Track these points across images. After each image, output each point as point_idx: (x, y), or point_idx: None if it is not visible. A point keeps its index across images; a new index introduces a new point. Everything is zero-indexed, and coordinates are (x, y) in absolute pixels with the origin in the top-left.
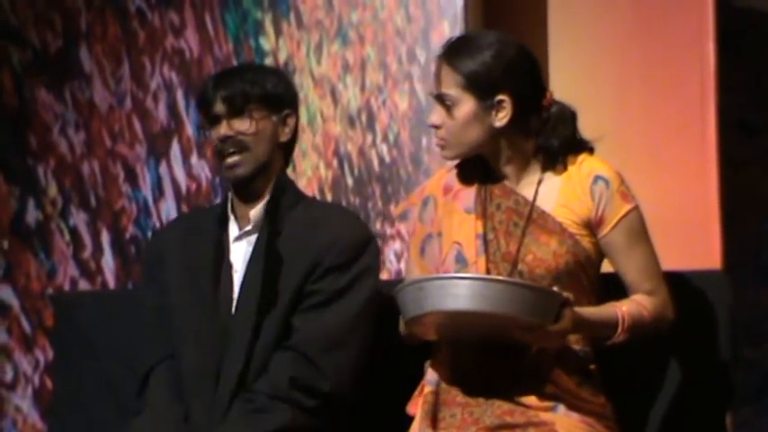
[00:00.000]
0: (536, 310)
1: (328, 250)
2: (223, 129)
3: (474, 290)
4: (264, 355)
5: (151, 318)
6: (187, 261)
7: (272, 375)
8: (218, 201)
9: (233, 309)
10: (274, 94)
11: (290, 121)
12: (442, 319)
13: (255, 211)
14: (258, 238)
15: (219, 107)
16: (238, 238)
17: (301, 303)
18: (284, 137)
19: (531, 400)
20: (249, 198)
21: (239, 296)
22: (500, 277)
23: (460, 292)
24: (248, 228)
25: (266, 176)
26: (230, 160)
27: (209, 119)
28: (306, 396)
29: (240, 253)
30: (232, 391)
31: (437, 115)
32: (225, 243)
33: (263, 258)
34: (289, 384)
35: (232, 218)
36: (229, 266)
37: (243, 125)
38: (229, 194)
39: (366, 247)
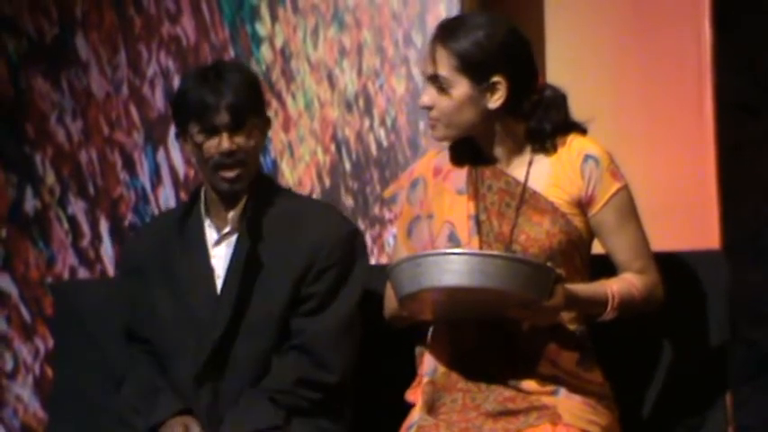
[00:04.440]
0: (532, 286)
1: (318, 252)
2: (226, 143)
3: (471, 265)
4: (261, 358)
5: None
6: (168, 273)
7: (277, 375)
8: None
9: (225, 315)
10: (262, 102)
11: (269, 127)
12: (439, 296)
13: (234, 213)
14: (238, 243)
15: (224, 118)
16: (218, 242)
17: (299, 306)
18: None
19: (532, 384)
20: (230, 201)
21: (219, 306)
22: (497, 252)
23: (457, 268)
24: (227, 230)
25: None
26: (230, 175)
27: (206, 129)
28: (312, 391)
29: (221, 257)
30: (232, 396)
31: (428, 96)
32: (204, 249)
33: (243, 267)
34: (294, 383)
35: (208, 221)
36: (211, 271)
37: (243, 139)
38: (202, 196)
39: (353, 242)
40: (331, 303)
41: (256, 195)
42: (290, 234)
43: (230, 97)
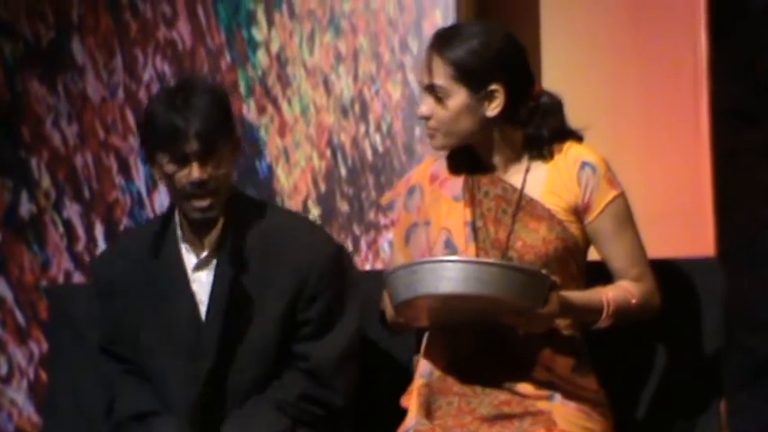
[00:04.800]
0: (527, 293)
1: (307, 276)
2: (196, 172)
3: (467, 273)
4: (262, 383)
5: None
6: (147, 297)
7: (284, 387)
8: None
9: (212, 345)
10: (232, 124)
11: (239, 149)
12: (434, 303)
13: (211, 237)
14: (219, 270)
15: (193, 146)
16: (198, 267)
17: (297, 331)
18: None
19: (528, 389)
20: (204, 226)
21: (205, 335)
22: (492, 260)
23: (453, 275)
24: (205, 254)
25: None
26: (202, 204)
27: (176, 158)
28: (317, 407)
29: (202, 282)
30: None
31: (426, 106)
32: (184, 274)
33: (227, 297)
34: (299, 397)
35: (185, 245)
36: (193, 297)
37: (213, 167)
38: (176, 219)
39: (341, 260)
40: (331, 326)
41: (233, 217)
42: (275, 256)
43: (199, 124)
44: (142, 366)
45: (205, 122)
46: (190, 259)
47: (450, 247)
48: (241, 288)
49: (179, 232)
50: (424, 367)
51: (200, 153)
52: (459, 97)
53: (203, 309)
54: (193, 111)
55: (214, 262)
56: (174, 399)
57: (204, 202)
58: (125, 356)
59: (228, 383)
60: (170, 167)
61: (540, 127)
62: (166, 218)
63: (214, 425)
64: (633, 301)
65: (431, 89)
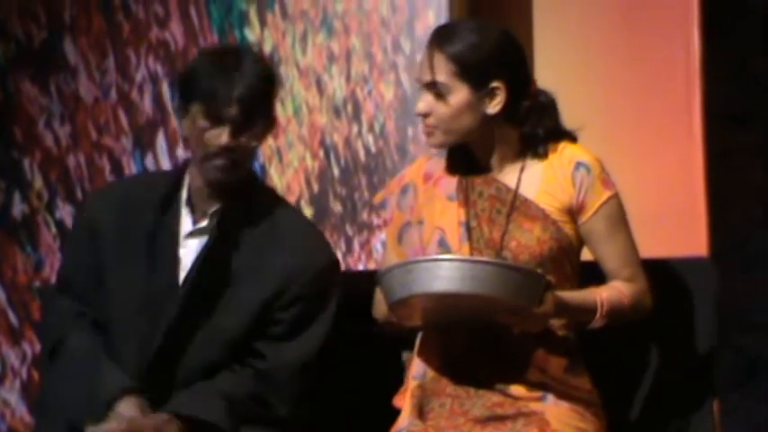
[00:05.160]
0: (522, 293)
1: (295, 278)
2: (227, 138)
3: (462, 272)
4: (209, 369)
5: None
6: (127, 247)
7: (233, 383)
8: None
9: (173, 312)
10: (273, 100)
11: (273, 128)
12: (429, 302)
13: (214, 210)
14: (210, 240)
15: (232, 111)
16: (191, 234)
17: (265, 328)
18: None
19: (521, 390)
20: (214, 194)
21: (183, 305)
22: (487, 259)
23: (448, 274)
24: (203, 224)
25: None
26: (221, 163)
27: (211, 116)
28: (263, 409)
29: (192, 250)
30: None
31: (425, 103)
32: (176, 236)
33: (207, 265)
34: (246, 396)
35: (187, 210)
36: (177, 261)
37: (246, 138)
38: (186, 182)
39: (331, 277)
40: (298, 334)
41: (241, 195)
42: (269, 248)
43: (243, 90)
44: (98, 313)
45: (249, 90)
46: (186, 223)
47: (443, 246)
48: (226, 267)
49: (184, 194)
50: (417, 368)
51: (236, 119)
52: (460, 94)
53: (182, 275)
54: (241, 76)
55: (204, 229)
56: (123, 354)
57: (225, 165)
58: (83, 298)
59: (182, 359)
60: (202, 123)
61: (536, 126)
62: (176, 177)
63: (156, 395)
64: (626, 301)
65: (431, 86)
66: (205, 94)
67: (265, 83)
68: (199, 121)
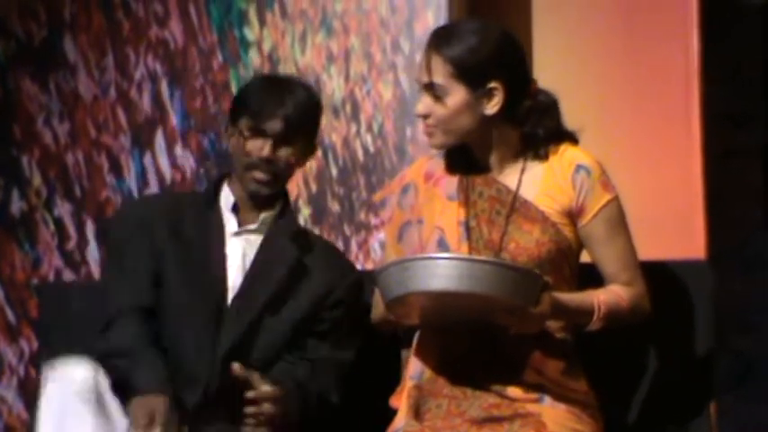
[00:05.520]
0: (519, 292)
1: (340, 281)
2: (268, 150)
3: (460, 270)
4: (268, 349)
5: (134, 265)
6: (182, 243)
7: (293, 372)
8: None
9: (228, 300)
10: (317, 127)
11: (313, 154)
12: (426, 300)
13: (268, 214)
14: (272, 239)
15: (276, 126)
16: (237, 234)
17: (313, 325)
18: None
19: (517, 391)
20: (258, 203)
21: (245, 288)
22: (485, 257)
23: (445, 272)
24: (252, 226)
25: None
26: (260, 176)
27: (257, 129)
28: (317, 395)
29: (237, 248)
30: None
31: (424, 105)
32: (222, 235)
33: (290, 262)
34: (306, 381)
35: (232, 214)
36: (224, 258)
37: (287, 153)
38: (226, 190)
39: (362, 287)
40: (340, 335)
41: (288, 206)
42: (312, 255)
43: (290, 109)
44: (158, 306)
45: (294, 110)
46: (232, 225)
47: (442, 246)
48: (282, 263)
49: (231, 199)
50: (414, 368)
51: (279, 134)
52: (458, 95)
53: (232, 271)
54: (289, 97)
55: (255, 236)
56: (189, 344)
57: (264, 177)
58: (143, 290)
59: (252, 350)
60: (248, 133)
61: (537, 126)
62: (212, 189)
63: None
64: (624, 305)
65: (429, 87)
66: (254, 108)
67: (312, 107)
68: (245, 131)
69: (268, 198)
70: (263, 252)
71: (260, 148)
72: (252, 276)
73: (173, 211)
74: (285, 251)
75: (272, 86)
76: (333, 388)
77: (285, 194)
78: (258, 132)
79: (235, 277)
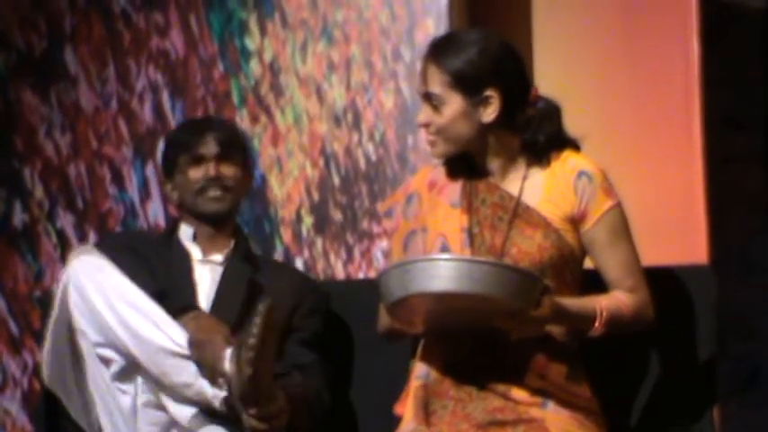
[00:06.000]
0: (519, 293)
1: (308, 292)
2: (212, 169)
3: (460, 271)
4: None
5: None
6: (152, 273)
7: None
8: None
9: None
10: (248, 153)
11: (250, 182)
12: (427, 302)
13: (229, 250)
14: (230, 265)
15: (211, 148)
16: (203, 262)
17: (293, 333)
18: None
19: (522, 395)
20: (217, 231)
21: (214, 313)
22: (485, 258)
23: (446, 273)
24: (218, 258)
25: (233, 219)
26: (214, 193)
27: (194, 158)
28: (312, 399)
29: (206, 275)
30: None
31: (424, 114)
32: (189, 263)
33: (246, 284)
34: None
35: (194, 244)
36: (194, 284)
37: (230, 170)
38: (183, 226)
39: (329, 302)
40: (319, 343)
41: (243, 236)
42: (279, 272)
43: (218, 131)
44: None
45: (223, 131)
46: (196, 254)
47: (445, 251)
48: (255, 286)
49: (189, 231)
50: (420, 369)
51: (218, 154)
52: (454, 104)
53: (203, 297)
54: (214, 122)
55: (219, 267)
56: None
57: (217, 192)
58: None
59: None
60: (188, 166)
61: (537, 133)
62: (171, 225)
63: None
64: (626, 311)
65: (428, 97)
66: (186, 142)
67: (236, 129)
68: (184, 167)
69: (225, 221)
70: (225, 278)
71: (204, 171)
72: (218, 299)
73: (139, 245)
74: (244, 274)
75: (195, 121)
76: (324, 388)
77: (239, 228)
78: (197, 159)
79: (207, 304)
